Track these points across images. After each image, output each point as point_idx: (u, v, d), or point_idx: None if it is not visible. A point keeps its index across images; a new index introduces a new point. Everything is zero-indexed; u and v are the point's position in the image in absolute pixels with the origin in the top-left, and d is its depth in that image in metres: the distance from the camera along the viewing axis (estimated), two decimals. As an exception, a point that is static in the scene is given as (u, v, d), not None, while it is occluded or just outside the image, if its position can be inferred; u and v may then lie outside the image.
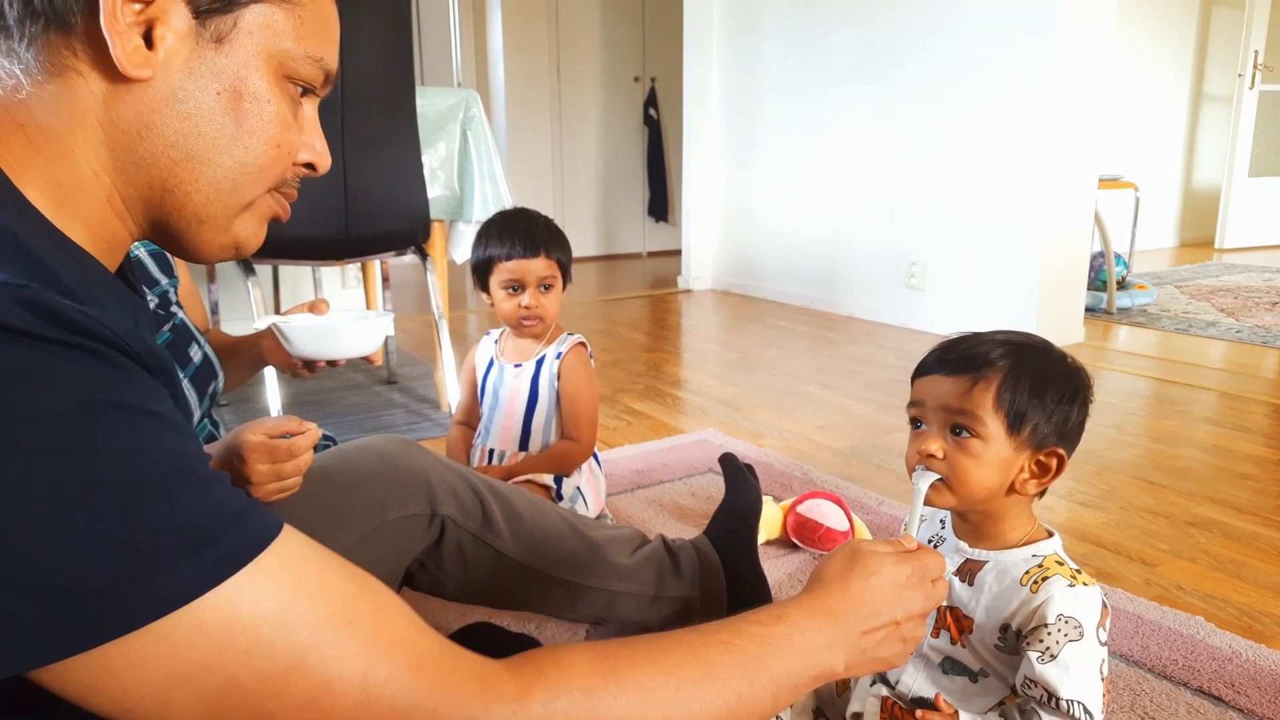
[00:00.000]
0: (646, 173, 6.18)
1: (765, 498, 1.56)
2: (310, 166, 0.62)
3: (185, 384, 1.23)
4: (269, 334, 1.22)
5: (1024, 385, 0.89)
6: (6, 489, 0.40)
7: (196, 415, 1.25)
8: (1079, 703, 0.86)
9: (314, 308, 1.24)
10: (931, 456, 0.90)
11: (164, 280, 1.32)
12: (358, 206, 2.10)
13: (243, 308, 3.00)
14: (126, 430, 0.44)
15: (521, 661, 0.54)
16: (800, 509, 1.59)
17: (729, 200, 4.62)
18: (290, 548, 0.48)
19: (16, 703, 0.46)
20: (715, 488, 1.86)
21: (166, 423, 0.46)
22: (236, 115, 0.55)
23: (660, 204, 6.19)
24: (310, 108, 0.62)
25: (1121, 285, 3.92)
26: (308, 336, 1.14)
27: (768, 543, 1.60)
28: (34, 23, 0.50)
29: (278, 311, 2.96)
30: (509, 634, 1.28)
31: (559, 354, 1.62)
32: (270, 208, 0.61)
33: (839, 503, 1.58)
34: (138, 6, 0.51)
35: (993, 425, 0.89)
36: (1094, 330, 3.49)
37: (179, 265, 1.40)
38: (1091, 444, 2.18)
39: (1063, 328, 3.24)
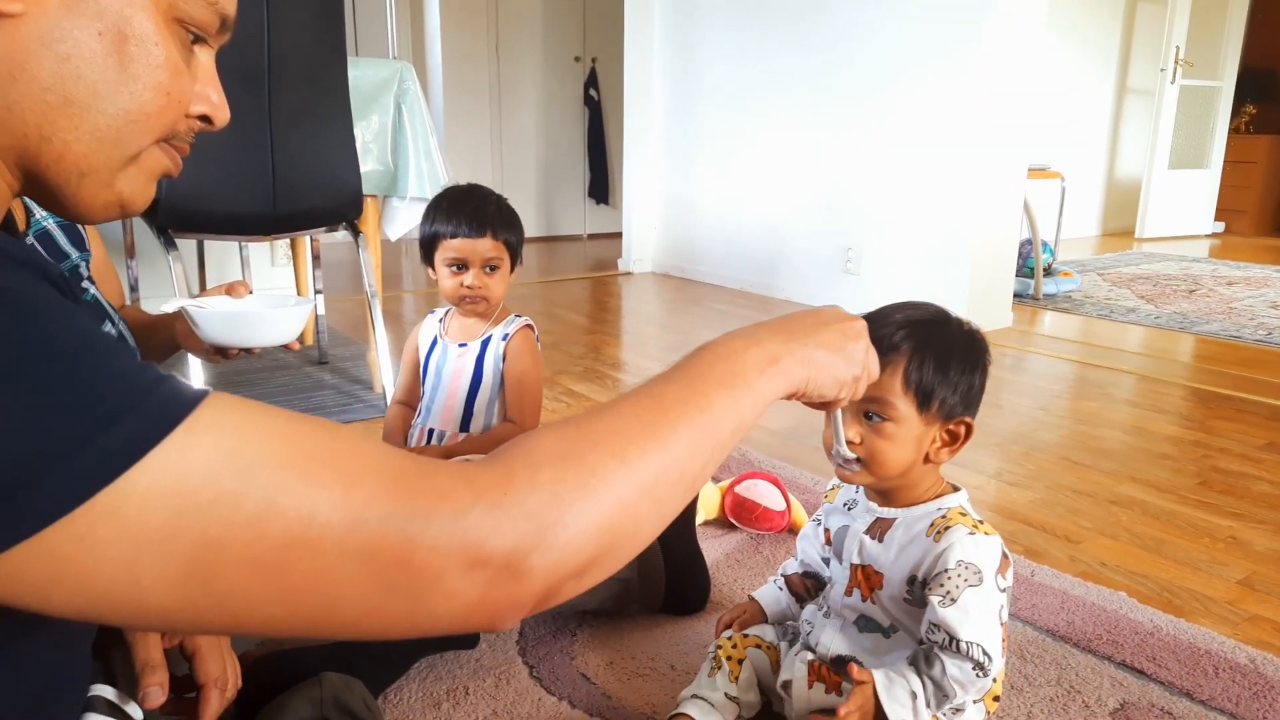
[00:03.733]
0: (587, 154, 6.13)
1: (704, 479, 1.56)
2: (206, 120, 0.58)
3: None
4: (181, 317, 1.16)
5: (928, 364, 0.93)
6: None
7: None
8: (978, 645, 0.89)
9: (232, 290, 1.18)
10: (850, 443, 0.94)
11: (74, 254, 1.24)
12: (286, 181, 2.02)
13: (164, 285, 2.88)
14: (22, 310, 0.41)
15: (496, 455, 0.52)
16: (738, 489, 1.59)
17: (670, 184, 4.61)
18: (226, 401, 0.45)
19: None
20: (654, 470, 1.85)
21: (64, 305, 0.43)
22: (121, 59, 0.50)
23: (601, 186, 6.15)
24: (206, 56, 0.57)
25: (1048, 272, 4.03)
26: (219, 323, 1.09)
27: (706, 523, 1.60)
28: None
29: (201, 290, 2.85)
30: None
31: (505, 335, 1.59)
32: (160, 162, 0.56)
33: (776, 483, 1.59)
34: None
35: (903, 407, 0.93)
36: (1021, 315, 3.58)
37: (92, 239, 1.33)
38: (1019, 425, 2.24)
39: (992, 313, 3.32)
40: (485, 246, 1.50)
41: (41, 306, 0.42)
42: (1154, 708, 1.11)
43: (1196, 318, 3.54)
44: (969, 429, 0.95)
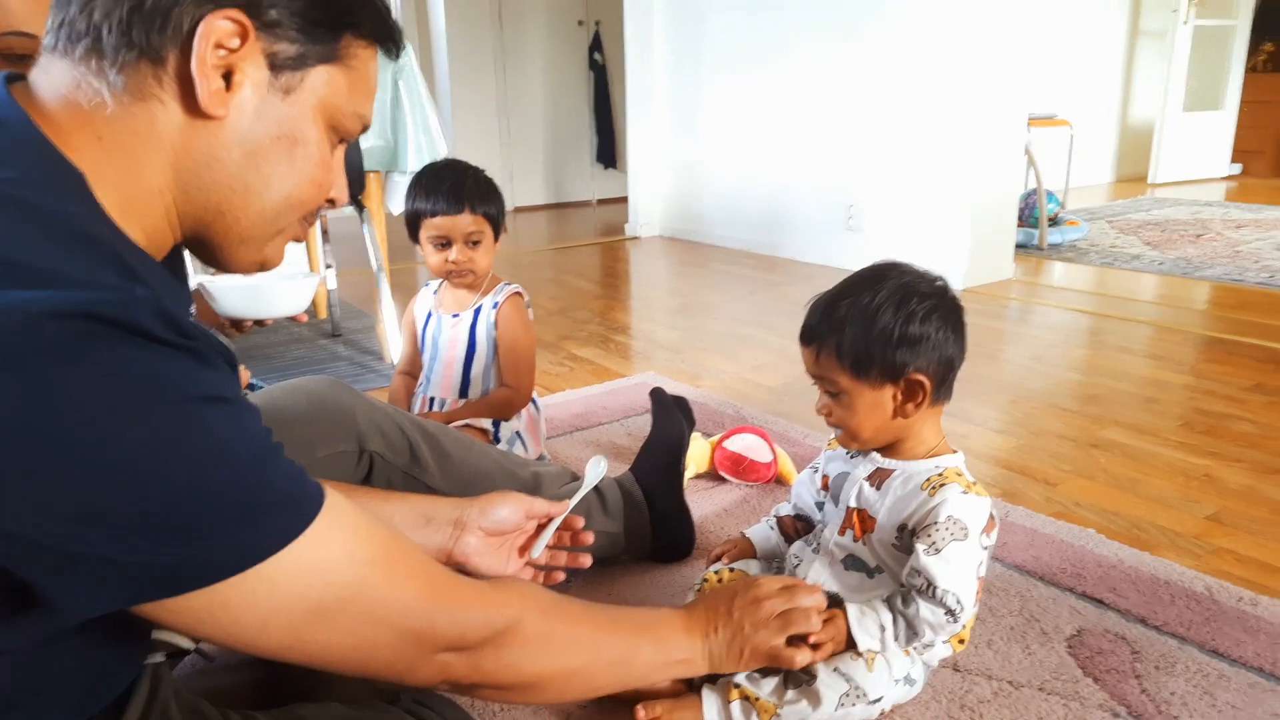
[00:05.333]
0: (593, 119, 6.14)
1: (695, 434, 1.63)
2: (331, 202, 0.71)
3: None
4: (196, 294, 1.24)
5: (850, 335, 0.99)
6: (159, 458, 0.49)
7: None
8: (953, 594, 0.96)
9: None
10: (823, 415, 1.05)
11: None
12: (289, 160, 2.09)
13: (182, 265, 2.97)
14: (228, 419, 0.54)
15: (503, 584, 0.77)
16: (726, 444, 1.66)
17: (675, 147, 4.63)
18: (339, 504, 0.61)
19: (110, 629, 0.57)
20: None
21: (246, 409, 0.56)
22: (290, 158, 0.63)
23: (608, 150, 6.17)
24: (340, 151, 0.70)
25: (1054, 222, 4.03)
26: (234, 296, 1.17)
27: (697, 476, 1.68)
28: (129, 51, 0.56)
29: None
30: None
31: (495, 304, 1.66)
32: (295, 232, 0.70)
33: (763, 435, 1.66)
34: (223, 53, 0.58)
35: (844, 381, 1.01)
36: (1024, 266, 3.60)
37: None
38: (1010, 374, 2.29)
39: (993, 264, 3.34)
40: (465, 222, 1.56)
41: (238, 417, 0.55)
42: (1108, 633, 1.18)
43: (1201, 262, 3.55)
44: (918, 384, 0.98)
